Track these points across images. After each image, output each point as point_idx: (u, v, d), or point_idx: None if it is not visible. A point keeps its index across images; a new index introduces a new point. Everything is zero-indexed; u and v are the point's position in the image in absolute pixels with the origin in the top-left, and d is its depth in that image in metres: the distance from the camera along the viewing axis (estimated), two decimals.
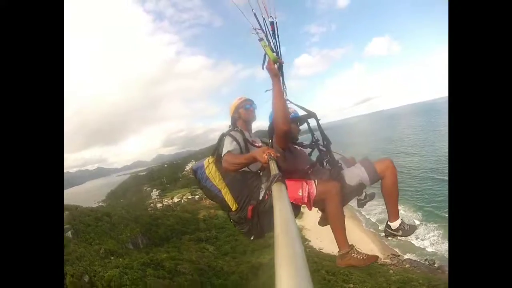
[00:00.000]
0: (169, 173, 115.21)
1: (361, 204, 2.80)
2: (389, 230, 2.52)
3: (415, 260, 26.70)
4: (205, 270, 27.04)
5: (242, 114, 2.59)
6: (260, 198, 2.26)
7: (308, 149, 2.72)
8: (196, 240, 40.22)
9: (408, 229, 2.48)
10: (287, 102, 2.57)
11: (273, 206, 0.96)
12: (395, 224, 2.46)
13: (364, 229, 31.77)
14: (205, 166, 2.40)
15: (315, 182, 2.27)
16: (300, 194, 2.25)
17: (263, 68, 2.11)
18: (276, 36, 2.14)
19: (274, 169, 1.62)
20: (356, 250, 2.26)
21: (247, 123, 2.63)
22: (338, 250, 2.27)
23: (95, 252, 27.84)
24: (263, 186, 2.29)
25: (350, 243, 2.25)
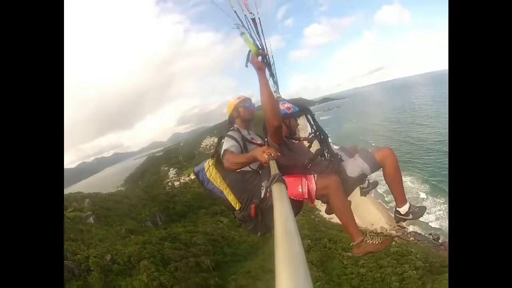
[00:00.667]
0: (185, 151, 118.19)
1: (364, 193, 2.83)
2: (398, 215, 2.55)
3: (420, 233, 26.91)
4: (218, 240, 29.06)
5: (242, 113, 2.61)
6: (262, 196, 2.28)
7: (308, 142, 2.73)
8: (212, 213, 41.97)
9: (418, 211, 2.51)
10: (280, 99, 2.59)
11: (273, 206, 0.97)
12: (404, 209, 2.49)
13: (372, 201, 32.29)
14: (205, 169, 2.42)
15: (314, 177, 2.28)
16: (300, 190, 2.26)
17: (246, 66, 2.10)
18: (259, 31, 2.14)
19: (274, 168, 1.62)
20: (370, 235, 2.28)
21: (247, 121, 2.64)
22: (352, 241, 2.29)
23: (116, 233, 30.33)
24: (263, 184, 2.31)
25: (362, 230, 2.31)
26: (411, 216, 2.50)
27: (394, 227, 27.95)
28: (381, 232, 27.69)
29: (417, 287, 19.01)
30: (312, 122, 2.61)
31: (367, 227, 28.71)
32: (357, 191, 2.65)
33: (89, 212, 33.43)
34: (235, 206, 2.36)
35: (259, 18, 2.12)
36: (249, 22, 2.13)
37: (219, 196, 2.39)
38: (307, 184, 2.25)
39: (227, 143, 2.28)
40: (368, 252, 2.28)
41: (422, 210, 2.55)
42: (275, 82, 2.67)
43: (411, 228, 27.60)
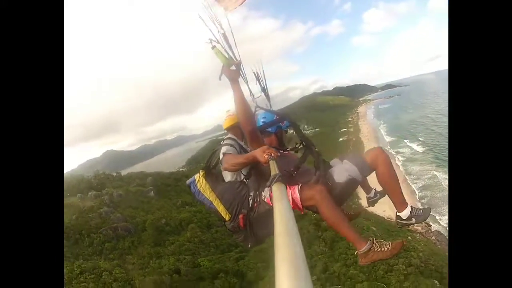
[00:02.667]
0: None
1: (371, 203, 2.76)
2: (400, 221, 2.37)
3: (442, 234, 26.58)
4: None
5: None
6: (250, 206, 2.30)
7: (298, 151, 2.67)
8: None
9: (421, 214, 2.31)
10: (257, 109, 2.62)
11: (273, 206, 0.96)
12: (405, 213, 2.30)
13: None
14: (196, 180, 2.48)
15: (298, 187, 2.17)
16: None
17: (220, 78, 2.21)
18: (231, 44, 2.24)
19: (274, 169, 1.62)
20: (377, 243, 2.10)
21: (243, 133, 2.71)
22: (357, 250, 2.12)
23: (173, 204, 35.52)
24: (251, 194, 2.33)
25: (368, 238, 2.11)
26: (414, 220, 2.31)
27: (422, 223, 27.92)
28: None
29: (397, 281, 19.56)
30: (297, 131, 2.58)
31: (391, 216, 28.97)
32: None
33: (150, 187, 37.77)
34: (225, 217, 2.38)
35: (231, 32, 2.23)
36: (221, 36, 2.22)
37: (209, 207, 2.43)
38: (290, 194, 2.14)
39: (225, 148, 2.36)
40: (376, 260, 2.10)
41: (427, 212, 2.35)
42: (266, 95, 2.72)
43: (436, 227, 27.28)
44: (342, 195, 2.32)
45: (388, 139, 68.65)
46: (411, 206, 2.32)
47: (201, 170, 2.51)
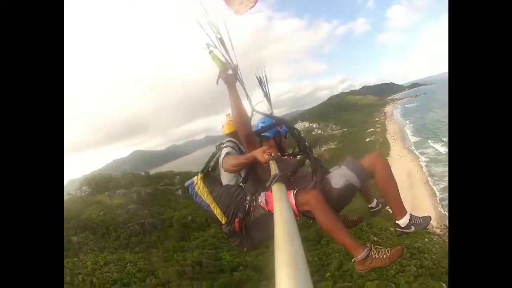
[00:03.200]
0: None
1: (373, 213, 2.73)
2: (399, 229, 2.32)
3: None
4: None
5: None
6: (246, 210, 2.30)
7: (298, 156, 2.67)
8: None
9: (421, 222, 2.28)
10: (254, 113, 2.60)
11: (273, 207, 0.97)
12: (403, 221, 2.26)
13: (430, 195, 32.86)
14: (194, 183, 2.49)
15: (293, 192, 2.13)
16: None
17: (217, 83, 2.24)
18: (227, 49, 2.29)
19: (274, 169, 1.62)
20: (375, 249, 2.06)
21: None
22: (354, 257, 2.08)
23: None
24: (247, 198, 2.34)
25: (366, 245, 2.06)
26: (413, 228, 2.26)
27: (441, 225, 28.31)
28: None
29: (406, 281, 19.84)
30: (295, 137, 2.58)
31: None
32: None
33: (178, 186, 38.39)
34: (221, 220, 2.40)
35: (229, 37, 2.28)
36: (218, 41, 2.26)
37: (206, 210, 2.45)
38: None
39: (226, 150, 2.38)
40: (374, 268, 2.06)
41: (427, 220, 2.30)
42: (268, 100, 2.75)
43: None
44: (340, 201, 2.28)
45: (413, 139, 68.79)
46: (410, 214, 2.27)
47: (199, 173, 2.53)
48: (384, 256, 2.02)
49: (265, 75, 2.63)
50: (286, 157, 2.62)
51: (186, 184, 2.59)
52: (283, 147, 2.69)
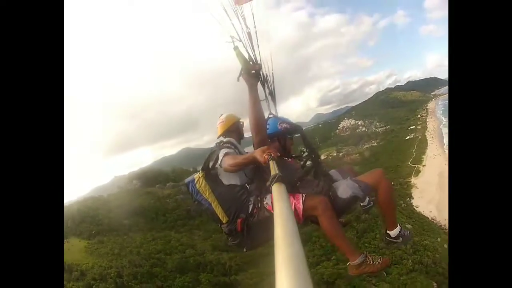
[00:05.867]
0: (322, 132, 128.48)
1: (365, 210, 2.80)
2: (388, 238, 2.57)
3: None
4: None
5: (240, 128, 2.77)
6: (250, 211, 2.31)
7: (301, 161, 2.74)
8: None
9: (408, 235, 2.56)
10: (271, 116, 2.63)
11: (273, 207, 0.96)
12: (394, 232, 2.52)
13: None
14: (195, 180, 2.48)
15: (302, 197, 2.22)
16: None
17: (238, 80, 2.19)
18: (254, 45, 2.20)
19: (274, 169, 1.61)
20: (370, 257, 2.25)
21: (241, 136, 2.77)
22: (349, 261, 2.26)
23: None
24: (251, 199, 2.34)
25: (362, 252, 2.25)
26: (400, 239, 2.52)
27: None
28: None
29: (397, 273, 20.76)
30: (304, 141, 2.62)
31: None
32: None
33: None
34: (222, 219, 2.39)
35: (255, 32, 2.17)
36: (245, 35, 2.18)
37: (207, 208, 2.43)
38: (294, 204, 2.19)
39: (224, 150, 2.36)
40: (366, 273, 2.27)
41: (410, 234, 2.62)
42: (273, 99, 2.72)
43: None
44: (342, 210, 2.41)
45: (447, 138, 69.73)
46: (400, 227, 2.54)
47: (200, 171, 2.51)
48: (377, 263, 2.23)
49: (272, 73, 2.58)
50: (291, 160, 2.63)
51: (186, 181, 2.57)
52: (288, 149, 2.70)
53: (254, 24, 2.16)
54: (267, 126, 2.63)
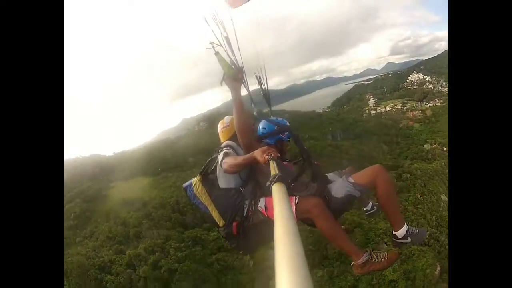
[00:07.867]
0: (391, 83, 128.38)
1: (368, 215, 2.75)
2: (396, 240, 2.36)
3: None
4: None
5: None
6: (244, 215, 2.30)
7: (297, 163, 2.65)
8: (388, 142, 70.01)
9: (417, 235, 2.32)
10: (257, 119, 2.58)
11: (273, 207, 0.96)
12: (401, 233, 2.30)
13: None
14: (193, 184, 2.49)
15: (295, 199, 2.17)
16: None
17: (221, 84, 2.19)
18: (234, 49, 2.21)
19: (274, 169, 1.60)
20: (374, 254, 2.15)
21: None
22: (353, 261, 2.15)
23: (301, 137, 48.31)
24: (246, 202, 2.33)
25: (365, 250, 2.14)
26: (409, 239, 2.30)
27: None
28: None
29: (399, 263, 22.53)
30: (297, 143, 2.54)
31: None
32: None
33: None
34: (218, 223, 2.40)
35: (235, 35, 2.18)
36: (223, 40, 2.18)
37: (205, 212, 2.43)
38: None
39: (225, 150, 2.36)
40: (373, 271, 2.14)
41: (422, 233, 2.36)
42: (267, 100, 2.68)
43: None
44: (339, 210, 2.32)
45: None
46: (408, 226, 2.31)
47: (198, 175, 2.52)
48: (383, 259, 2.12)
49: (265, 74, 2.57)
50: (286, 163, 2.59)
51: (184, 185, 2.58)
52: (284, 153, 2.65)
53: (233, 27, 2.16)
54: (263, 130, 2.57)
